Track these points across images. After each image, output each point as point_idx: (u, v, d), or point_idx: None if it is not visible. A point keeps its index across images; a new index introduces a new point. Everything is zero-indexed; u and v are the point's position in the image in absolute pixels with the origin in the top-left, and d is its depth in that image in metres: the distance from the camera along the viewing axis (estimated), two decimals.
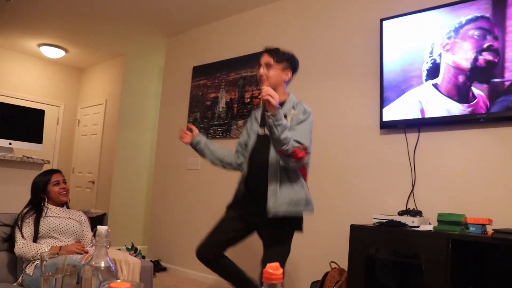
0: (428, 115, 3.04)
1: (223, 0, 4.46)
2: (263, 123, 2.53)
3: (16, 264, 2.53)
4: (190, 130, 2.79)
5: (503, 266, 2.56)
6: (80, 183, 6.99)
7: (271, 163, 2.41)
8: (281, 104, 2.41)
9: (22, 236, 2.43)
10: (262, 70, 2.50)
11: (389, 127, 3.27)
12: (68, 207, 2.76)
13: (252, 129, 2.65)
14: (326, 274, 3.13)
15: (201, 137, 2.78)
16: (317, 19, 3.98)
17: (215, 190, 4.62)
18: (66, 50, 6.49)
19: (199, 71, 5.06)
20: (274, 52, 2.52)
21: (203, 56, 5.10)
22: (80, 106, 7.41)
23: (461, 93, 2.90)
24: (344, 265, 2.99)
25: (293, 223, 2.49)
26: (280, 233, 2.47)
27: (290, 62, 2.53)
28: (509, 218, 2.66)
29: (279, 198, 2.36)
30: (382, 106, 3.28)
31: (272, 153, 2.42)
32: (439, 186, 3.02)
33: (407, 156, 3.19)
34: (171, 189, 5.18)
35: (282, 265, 2.39)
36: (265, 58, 2.52)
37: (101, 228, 1.15)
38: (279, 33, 4.29)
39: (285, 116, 2.38)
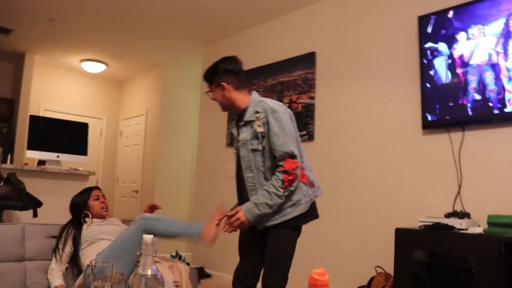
0: (471, 113, 2.94)
1: (256, 6, 4.48)
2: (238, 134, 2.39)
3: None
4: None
5: None
6: (124, 193, 7.15)
7: (247, 178, 2.28)
8: (243, 112, 2.31)
9: (56, 259, 2.52)
10: (211, 96, 2.41)
11: (432, 126, 3.19)
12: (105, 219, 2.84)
13: (235, 146, 2.47)
14: (372, 279, 3.06)
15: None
16: (350, 21, 3.93)
17: None
18: (106, 64, 6.70)
19: None
20: (205, 76, 2.40)
21: None
22: (122, 117, 7.61)
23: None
24: (390, 269, 2.92)
25: (286, 225, 2.23)
26: (276, 234, 2.24)
27: (222, 73, 2.32)
28: None
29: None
30: (424, 105, 3.20)
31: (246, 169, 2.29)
32: (488, 186, 2.91)
33: (451, 156, 3.09)
34: (213, 195, 5.23)
35: (285, 266, 2.22)
36: (205, 87, 2.45)
37: (147, 237, 1.16)
38: (313, 36, 4.26)
39: (251, 122, 2.24)
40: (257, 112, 2.23)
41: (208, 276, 4.97)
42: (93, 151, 7.22)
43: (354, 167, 3.72)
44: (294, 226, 2.24)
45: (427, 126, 3.20)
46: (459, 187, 3.03)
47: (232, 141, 4.92)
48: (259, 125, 2.21)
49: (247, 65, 4.99)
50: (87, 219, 2.72)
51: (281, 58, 4.54)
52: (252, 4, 4.43)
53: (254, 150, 2.23)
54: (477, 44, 2.95)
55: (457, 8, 3.08)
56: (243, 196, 2.39)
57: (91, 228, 2.62)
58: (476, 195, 2.96)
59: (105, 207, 2.80)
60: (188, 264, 5.14)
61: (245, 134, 2.27)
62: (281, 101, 4.43)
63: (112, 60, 6.57)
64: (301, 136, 4.17)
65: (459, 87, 3.02)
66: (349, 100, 3.85)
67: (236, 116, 2.43)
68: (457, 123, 3.04)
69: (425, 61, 3.22)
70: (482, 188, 2.93)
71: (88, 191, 2.83)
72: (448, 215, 2.82)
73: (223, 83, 2.31)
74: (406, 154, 3.37)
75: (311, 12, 4.34)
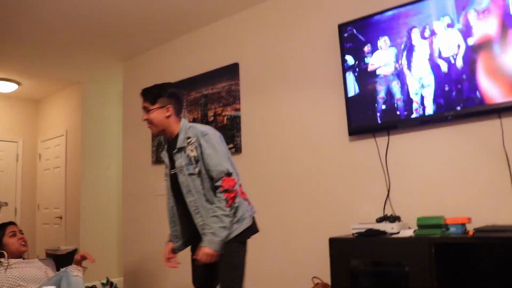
0: (395, 117, 2.99)
1: (177, 18, 4.34)
2: (172, 164, 2.40)
3: None
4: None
5: (486, 264, 2.51)
6: (47, 220, 6.68)
7: (189, 202, 2.32)
8: (175, 138, 2.38)
9: None
10: (144, 115, 2.39)
11: (358, 132, 3.21)
12: (23, 258, 2.59)
13: (165, 173, 2.49)
14: None
15: (175, 241, 2.56)
16: (273, 31, 3.90)
17: None
18: (18, 83, 6.22)
19: None
20: (147, 94, 2.39)
21: (161, 77, 4.91)
22: (40, 139, 7.13)
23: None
24: (328, 279, 2.88)
25: (233, 240, 2.28)
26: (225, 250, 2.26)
27: (167, 96, 2.38)
28: (487, 216, 2.61)
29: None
30: (349, 112, 3.22)
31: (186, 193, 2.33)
32: (414, 188, 2.97)
33: (379, 161, 3.13)
34: (142, 216, 4.99)
35: (239, 277, 2.30)
36: (142, 102, 2.40)
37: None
38: (237, 47, 4.20)
39: (183, 149, 2.31)
40: (188, 138, 2.31)
41: None
42: (9, 178, 6.71)
43: (283, 178, 3.68)
44: (241, 241, 2.33)
45: (353, 132, 3.22)
46: (388, 191, 3.07)
47: (157, 160, 4.73)
48: (192, 150, 2.28)
49: (169, 78, 4.81)
50: (2, 260, 2.44)
51: (205, 70, 4.43)
52: (172, 16, 4.28)
53: (191, 175, 2.28)
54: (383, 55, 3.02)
55: (363, 20, 3.15)
56: (185, 220, 2.42)
57: (10, 273, 2.35)
58: (404, 197, 3.00)
59: (24, 242, 2.56)
60: None
61: (179, 160, 2.31)
62: (205, 114, 4.32)
63: (25, 78, 6.10)
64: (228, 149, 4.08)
65: (372, 96, 3.07)
66: (274, 110, 3.81)
67: (167, 143, 2.45)
68: (383, 128, 3.08)
69: (347, 69, 3.25)
70: (409, 190, 2.98)
71: (1, 228, 2.57)
72: (379, 220, 2.83)
73: (169, 106, 2.35)
74: (334, 162, 3.37)
75: (233, 23, 4.27)
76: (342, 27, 3.29)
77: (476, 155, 2.74)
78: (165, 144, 2.51)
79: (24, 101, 7.13)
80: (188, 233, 2.46)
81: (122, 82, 5.67)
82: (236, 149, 4.02)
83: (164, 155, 2.48)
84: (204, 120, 4.33)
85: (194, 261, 2.39)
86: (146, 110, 2.37)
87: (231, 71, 4.15)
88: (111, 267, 6.02)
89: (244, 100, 4.05)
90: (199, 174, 2.27)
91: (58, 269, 2.64)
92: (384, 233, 2.65)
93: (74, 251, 5.46)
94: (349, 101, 3.22)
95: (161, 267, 4.65)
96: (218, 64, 4.30)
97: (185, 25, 4.52)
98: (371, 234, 2.65)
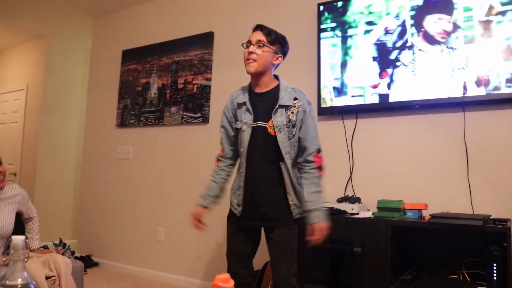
0: (365, 101, 3.04)
1: None
2: (256, 114, 2.17)
3: None
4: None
5: (438, 249, 2.63)
6: None
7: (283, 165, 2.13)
8: (271, 90, 2.19)
9: None
10: (253, 48, 2.16)
11: (327, 113, 3.25)
12: None
13: (243, 121, 2.19)
14: (266, 264, 3.07)
15: (206, 203, 2.28)
16: (253, 3, 3.86)
17: (147, 179, 4.42)
18: None
19: (129, 55, 4.79)
20: (269, 31, 2.20)
21: (133, 39, 4.83)
22: None
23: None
24: None
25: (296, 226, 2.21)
26: (291, 230, 2.18)
27: (283, 45, 2.23)
28: (443, 202, 2.72)
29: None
30: (319, 92, 3.24)
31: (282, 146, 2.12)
32: (376, 172, 3.05)
33: (345, 142, 3.18)
34: (101, 179, 4.91)
35: (296, 263, 2.17)
36: (258, 35, 2.19)
37: (17, 239, 0.98)
38: (212, 16, 4.12)
39: (286, 108, 2.11)
40: (295, 99, 2.14)
41: (96, 264, 4.68)
42: None
43: None
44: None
45: (322, 112, 3.25)
46: (351, 173, 3.14)
47: (122, 124, 4.65)
48: (293, 113, 2.12)
49: (141, 42, 4.73)
50: None
51: (177, 36, 4.34)
52: None
53: (288, 137, 2.10)
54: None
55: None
56: (252, 182, 2.17)
57: None
58: (365, 180, 3.08)
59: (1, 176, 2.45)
60: (73, 252, 4.81)
61: (281, 118, 2.11)
62: (175, 81, 4.25)
63: None
64: (195, 118, 4.05)
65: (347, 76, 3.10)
66: (245, 83, 3.77)
67: (250, 93, 2.25)
68: (351, 110, 3.13)
69: (321, 49, 3.26)
70: (371, 174, 3.06)
71: None
72: (340, 200, 2.90)
73: (280, 56, 2.21)
74: None
75: None
76: (321, 6, 3.29)
77: (438, 145, 2.83)
78: (246, 93, 2.26)
79: None
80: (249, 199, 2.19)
81: (89, 39, 5.49)
82: (204, 119, 3.99)
83: (243, 99, 2.23)
84: (173, 87, 4.26)
85: (235, 232, 2.22)
86: (259, 44, 2.16)
87: (205, 39, 4.09)
88: (65, 228, 5.92)
89: (216, 70, 4.01)
90: (293, 138, 2.11)
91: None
92: (344, 212, 2.72)
93: None
94: (321, 81, 3.24)
95: (117, 232, 4.62)
96: (192, 32, 4.22)
97: None
98: (331, 213, 2.70)
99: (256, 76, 2.21)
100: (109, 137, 4.87)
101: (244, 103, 2.22)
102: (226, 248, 2.27)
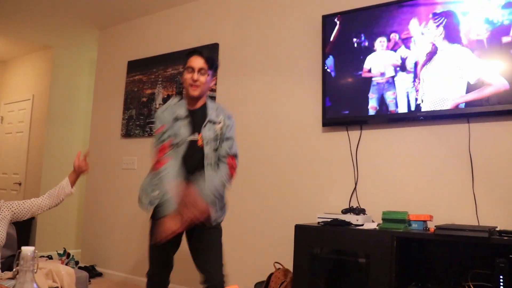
0: (370, 112, 3.05)
1: None
2: (193, 127, 2.38)
3: None
4: None
5: (444, 260, 2.62)
6: (4, 185, 6.48)
7: (207, 175, 2.36)
8: (200, 108, 2.44)
9: None
10: (196, 75, 2.37)
11: (331, 124, 3.26)
12: None
13: (179, 133, 2.36)
14: (271, 275, 3.06)
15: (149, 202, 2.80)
16: (255, 14, 3.89)
17: None
18: None
19: (134, 66, 4.83)
20: (211, 60, 2.44)
21: (138, 50, 4.87)
22: (4, 101, 6.88)
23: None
24: (289, 265, 2.93)
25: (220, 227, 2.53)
26: (218, 231, 2.51)
27: (216, 67, 2.52)
28: (448, 214, 2.72)
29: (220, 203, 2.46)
30: (324, 103, 3.26)
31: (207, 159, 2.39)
32: (381, 183, 3.04)
33: (349, 153, 3.19)
34: (106, 189, 4.92)
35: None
36: (199, 63, 2.38)
37: (27, 250, 0.99)
38: (219, 28, 4.16)
39: (213, 123, 2.40)
40: (219, 115, 2.42)
41: (100, 275, 4.67)
42: None
43: (252, 163, 3.69)
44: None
45: (326, 123, 3.26)
46: (356, 184, 3.13)
47: (127, 134, 4.66)
48: (220, 128, 2.40)
49: (146, 53, 4.76)
50: None
51: (182, 47, 4.37)
52: None
53: (214, 149, 2.39)
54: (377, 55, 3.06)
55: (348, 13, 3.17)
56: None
57: None
58: (370, 191, 3.08)
59: None
60: (77, 262, 4.81)
61: (209, 132, 2.38)
62: (180, 92, 4.28)
63: None
64: None
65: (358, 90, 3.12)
66: (250, 95, 3.81)
67: (188, 111, 2.43)
68: (356, 122, 3.14)
69: (327, 62, 3.27)
70: (376, 185, 3.06)
71: None
72: (345, 211, 2.90)
73: (215, 77, 2.55)
74: (306, 152, 3.41)
75: (216, 3, 4.22)
76: (326, 18, 3.31)
77: (442, 156, 2.83)
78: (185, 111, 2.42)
79: None
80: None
81: (95, 50, 5.53)
82: None
83: (183, 120, 2.38)
84: None
85: (161, 246, 2.51)
86: (203, 72, 2.38)
87: (211, 51, 4.11)
88: (69, 238, 5.92)
89: (220, 81, 4.03)
90: (216, 150, 2.40)
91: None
92: (349, 224, 2.71)
93: (31, 220, 5.34)
94: (326, 92, 3.25)
95: (122, 242, 4.62)
96: (197, 43, 4.25)
97: (165, 0, 4.44)
98: (336, 224, 2.70)
99: (195, 99, 2.43)
100: (114, 147, 4.89)
101: (186, 117, 2.41)
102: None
